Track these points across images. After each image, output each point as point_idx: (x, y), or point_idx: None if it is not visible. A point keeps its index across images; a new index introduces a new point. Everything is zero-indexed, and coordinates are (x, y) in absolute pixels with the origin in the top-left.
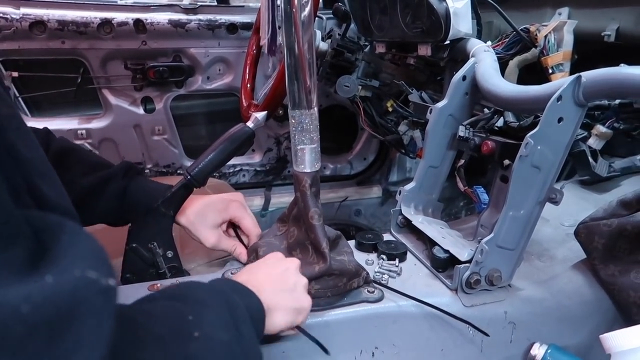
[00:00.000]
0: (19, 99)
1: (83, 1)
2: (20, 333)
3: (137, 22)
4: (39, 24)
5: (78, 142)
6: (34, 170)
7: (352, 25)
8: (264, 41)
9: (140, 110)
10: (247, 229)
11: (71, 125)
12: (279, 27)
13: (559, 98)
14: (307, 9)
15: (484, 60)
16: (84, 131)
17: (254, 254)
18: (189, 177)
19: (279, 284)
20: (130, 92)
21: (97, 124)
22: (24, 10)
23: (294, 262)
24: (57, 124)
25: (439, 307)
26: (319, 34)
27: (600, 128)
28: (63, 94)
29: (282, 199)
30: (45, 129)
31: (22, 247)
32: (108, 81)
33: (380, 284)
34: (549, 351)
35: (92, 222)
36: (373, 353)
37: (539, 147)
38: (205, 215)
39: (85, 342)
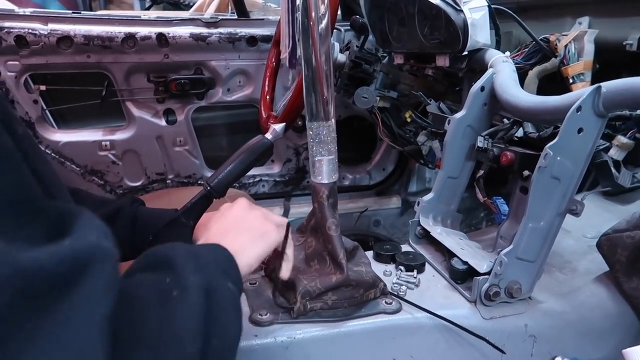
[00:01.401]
0: (46, 111)
1: (108, 17)
2: (41, 287)
3: (160, 36)
4: (66, 39)
5: (102, 153)
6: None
7: (370, 37)
8: (285, 54)
9: (162, 122)
10: None
11: (96, 136)
12: (299, 40)
13: (579, 108)
14: (325, 22)
15: (502, 70)
16: (108, 142)
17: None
18: (208, 188)
19: (236, 225)
20: (152, 104)
21: (120, 135)
22: (51, 26)
23: (241, 202)
24: (82, 135)
25: (454, 322)
26: (337, 46)
27: (621, 139)
28: (88, 107)
29: (301, 209)
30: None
31: (43, 224)
32: (131, 94)
33: (396, 296)
34: None
35: None
36: None
37: (558, 158)
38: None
39: (96, 297)
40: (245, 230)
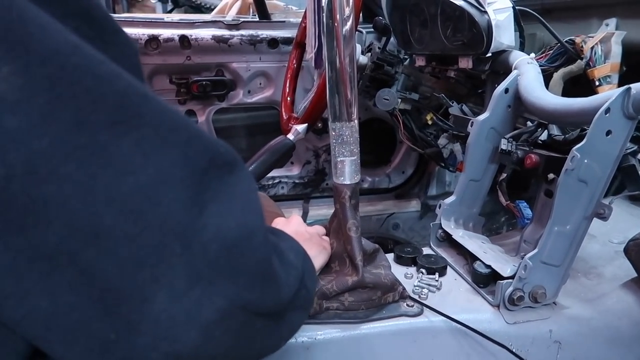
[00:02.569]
0: None
1: (132, 19)
2: (222, 161)
3: (183, 38)
4: None
5: None
6: None
7: (392, 39)
8: (311, 54)
9: None
10: None
11: None
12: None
13: (607, 110)
14: (349, 24)
15: (527, 72)
16: None
17: None
18: None
19: (300, 237)
20: (174, 105)
21: None
22: None
23: (296, 218)
24: None
25: (472, 327)
26: (359, 47)
27: None
28: None
29: (320, 211)
30: None
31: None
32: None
33: (416, 300)
34: None
35: None
36: None
37: (586, 161)
38: None
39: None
40: (308, 242)
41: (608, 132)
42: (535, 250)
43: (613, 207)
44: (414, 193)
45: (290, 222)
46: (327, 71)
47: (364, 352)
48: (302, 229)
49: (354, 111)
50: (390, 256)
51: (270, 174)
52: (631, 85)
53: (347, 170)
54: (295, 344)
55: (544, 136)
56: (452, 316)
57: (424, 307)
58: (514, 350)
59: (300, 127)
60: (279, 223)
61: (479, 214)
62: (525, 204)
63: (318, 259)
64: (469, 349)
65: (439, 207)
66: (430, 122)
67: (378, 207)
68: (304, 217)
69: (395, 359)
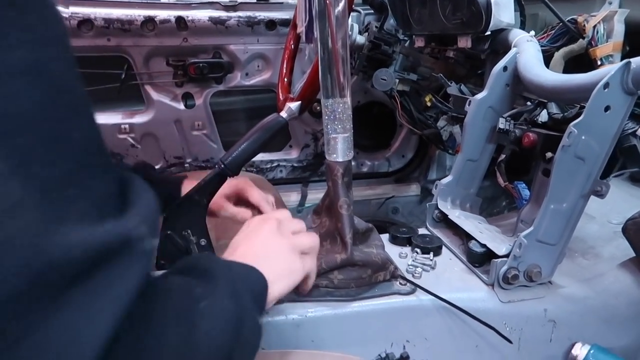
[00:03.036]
0: None
1: (128, 0)
2: (59, 277)
3: (179, 19)
4: (86, 22)
5: (121, 136)
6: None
7: (391, 21)
8: (301, 29)
9: (181, 106)
10: (255, 199)
11: (115, 120)
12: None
13: (606, 85)
14: (341, 5)
15: (526, 50)
16: (127, 126)
17: None
18: (222, 166)
19: (266, 252)
20: (171, 88)
21: (139, 119)
22: (72, 9)
23: (271, 224)
24: (102, 118)
25: (459, 307)
26: (356, 27)
27: None
28: (108, 90)
29: (319, 194)
30: None
31: (108, 186)
32: (150, 77)
33: (407, 279)
34: (591, 352)
35: None
36: (404, 346)
37: (583, 137)
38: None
39: (112, 294)
40: (275, 259)
41: (607, 108)
42: (531, 229)
43: (613, 188)
44: (414, 177)
45: (262, 228)
46: (319, 52)
47: (354, 330)
48: (273, 241)
49: (347, 87)
50: (386, 237)
51: (268, 158)
52: (631, 60)
53: (339, 147)
54: (285, 322)
55: (544, 117)
56: (445, 295)
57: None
58: (506, 329)
59: (294, 105)
60: (252, 223)
61: (476, 195)
62: (524, 185)
63: (279, 283)
64: (463, 327)
65: (436, 188)
66: (429, 104)
67: (377, 191)
68: (303, 200)
69: (386, 337)
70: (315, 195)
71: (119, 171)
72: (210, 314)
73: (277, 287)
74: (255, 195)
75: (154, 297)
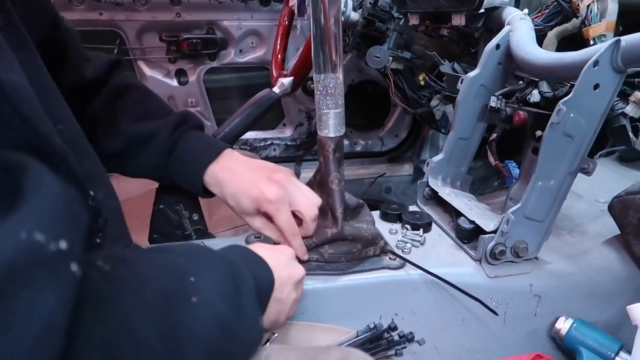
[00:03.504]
0: None
1: None
2: None
3: None
4: None
5: None
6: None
7: None
8: (293, 2)
9: (174, 82)
10: (281, 227)
11: None
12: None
13: (596, 63)
14: None
15: (519, 28)
16: None
17: None
18: None
19: (277, 290)
20: (164, 64)
21: None
22: None
23: (301, 272)
24: None
25: (446, 280)
26: (350, 3)
27: (638, 95)
28: None
29: (312, 173)
30: (117, 59)
31: None
32: (143, 53)
33: (396, 254)
34: (574, 325)
35: (135, 174)
36: (392, 319)
37: (572, 115)
38: (239, 202)
39: (20, 319)
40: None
41: (596, 86)
42: (518, 205)
43: (602, 168)
44: (407, 157)
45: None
46: (311, 28)
47: (345, 304)
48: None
49: (339, 63)
50: (377, 213)
51: (262, 136)
52: (621, 37)
53: (331, 122)
54: None
55: (536, 97)
56: (433, 270)
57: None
58: (492, 304)
59: (286, 80)
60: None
61: (467, 173)
62: (515, 163)
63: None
64: (450, 300)
65: (427, 166)
66: (422, 83)
67: (371, 170)
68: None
69: (376, 310)
70: (309, 173)
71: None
72: (199, 313)
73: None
74: (284, 225)
75: (136, 285)
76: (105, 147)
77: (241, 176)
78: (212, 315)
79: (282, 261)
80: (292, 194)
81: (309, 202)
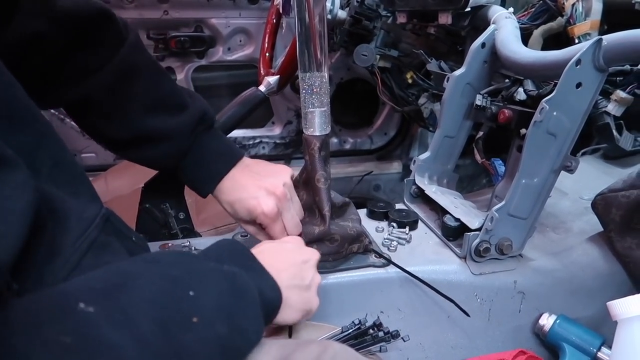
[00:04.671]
0: None
1: None
2: None
3: None
4: None
5: None
6: None
7: None
8: (278, 1)
9: None
10: (274, 237)
11: None
12: None
13: (578, 62)
14: None
15: (504, 26)
16: None
17: None
18: None
19: (297, 278)
20: None
21: None
22: None
23: (315, 255)
24: None
25: (421, 279)
26: (337, 1)
27: (620, 93)
28: None
29: None
30: (136, 35)
31: None
32: None
33: (379, 254)
34: (557, 321)
35: (138, 162)
36: (378, 316)
37: (555, 113)
38: (236, 210)
39: None
40: (298, 288)
41: (578, 85)
42: (503, 203)
43: (586, 165)
44: (396, 155)
45: (286, 250)
46: (296, 28)
47: (332, 301)
48: (300, 269)
49: (324, 62)
50: (363, 211)
51: (251, 134)
52: (603, 37)
53: (317, 121)
54: None
55: (522, 95)
56: (418, 268)
57: (393, 259)
58: (477, 301)
59: (272, 79)
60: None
61: (453, 171)
62: (501, 161)
63: (291, 312)
64: (432, 299)
65: (414, 164)
66: (410, 81)
67: (360, 168)
68: None
69: (362, 308)
70: (297, 172)
71: None
72: (201, 336)
73: (288, 314)
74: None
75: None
76: (107, 133)
77: (244, 185)
78: (212, 339)
79: (292, 250)
80: (286, 211)
81: (295, 223)
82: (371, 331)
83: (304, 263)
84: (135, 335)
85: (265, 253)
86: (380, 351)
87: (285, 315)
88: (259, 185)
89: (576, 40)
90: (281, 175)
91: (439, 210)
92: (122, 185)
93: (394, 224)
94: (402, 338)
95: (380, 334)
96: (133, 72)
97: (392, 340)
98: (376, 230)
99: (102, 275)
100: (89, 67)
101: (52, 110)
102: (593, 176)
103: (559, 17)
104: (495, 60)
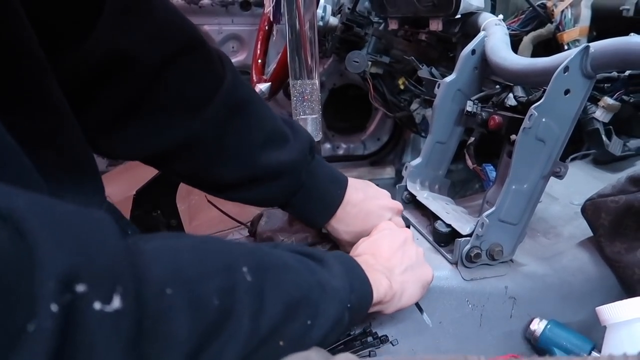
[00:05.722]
0: None
1: None
2: None
3: None
4: None
5: None
6: None
7: (366, 4)
8: (269, 8)
9: None
10: None
11: None
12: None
13: (566, 69)
14: None
15: (494, 33)
16: None
17: (255, 224)
18: None
19: (405, 259)
20: None
21: None
22: None
23: (407, 231)
24: None
25: None
26: (329, 8)
27: (607, 100)
28: None
29: None
30: (233, 65)
31: None
32: None
33: None
34: (548, 326)
35: (241, 202)
36: (370, 323)
37: (543, 120)
38: (361, 236)
39: None
40: (410, 269)
41: (567, 91)
42: (493, 209)
43: (576, 171)
44: (389, 160)
45: (398, 233)
46: (287, 34)
47: None
48: (411, 250)
49: (315, 69)
50: None
51: None
52: (590, 44)
53: (308, 128)
54: None
55: (513, 102)
56: None
57: None
58: (468, 306)
59: (264, 86)
60: (388, 226)
61: (445, 177)
62: (492, 167)
63: (409, 294)
64: (426, 303)
65: (405, 169)
66: (402, 87)
67: (353, 173)
68: None
69: None
70: None
71: None
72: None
73: (405, 297)
74: None
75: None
76: (214, 178)
77: (368, 210)
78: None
79: (388, 236)
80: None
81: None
82: (360, 337)
83: (404, 243)
84: (262, 317)
85: (367, 252)
86: (369, 356)
87: (409, 296)
88: (384, 207)
89: (565, 47)
90: (384, 193)
91: (431, 216)
92: (114, 192)
93: None
94: (390, 342)
95: (369, 339)
96: (241, 106)
97: (381, 345)
98: None
99: (257, 251)
100: (191, 100)
101: None
102: (583, 181)
103: (549, 24)
104: (485, 66)
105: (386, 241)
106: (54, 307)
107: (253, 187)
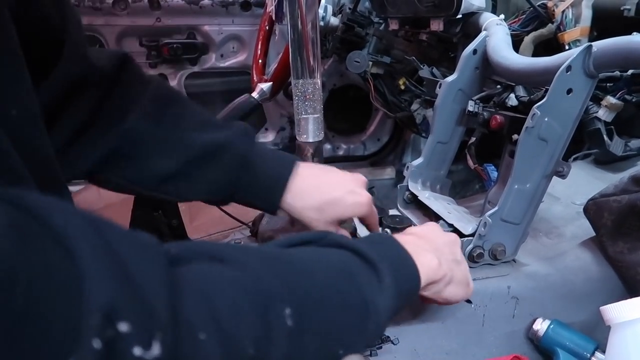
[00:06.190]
0: None
1: None
2: None
3: None
4: None
5: None
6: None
7: (367, 4)
8: (271, 8)
9: None
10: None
11: None
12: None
13: (568, 68)
14: None
15: (495, 33)
16: None
17: (256, 224)
18: None
19: (453, 254)
20: (145, 69)
21: None
22: None
23: (454, 235)
24: None
25: None
26: (329, 8)
27: (610, 99)
28: None
29: None
30: (125, 52)
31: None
32: None
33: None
34: (551, 326)
35: (191, 197)
36: None
37: (546, 119)
38: (324, 211)
39: None
40: (457, 264)
41: (569, 91)
42: (496, 208)
43: (578, 171)
44: (389, 161)
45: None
46: (289, 33)
47: None
48: (457, 250)
49: (317, 68)
50: (357, 218)
51: None
52: (593, 43)
53: (310, 127)
54: None
55: (514, 102)
56: None
57: None
58: (471, 306)
59: (265, 86)
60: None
61: (446, 177)
62: (493, 167)
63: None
64: (425, 305)
65: (407, 169)
66: (403, 87)
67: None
68: None
69: None
70: None
71: None
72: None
73: (453, 290)
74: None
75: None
76: (153, 169)
77: (329, 183)
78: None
79: (437, 231)
80: None
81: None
82: None
83: (452, 243)
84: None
85: (417, 234)
86: (370, 355)
87: (455, 288)
88: (342, 179)
89: (566, 47)
90: (347, 173)
91: (433, 216)
92: (112, 194)
93: (388, 230)
94: (392, 341)
95: None
96: (171, 99)
97: (382, 344)
98: None
99: (302, 281)
100: (126, 101)
101: None
102: (585, 181)
103: (550, 24)
104: (486, 66)
105: (438, 232)
106: (96, 344)
107: (192, 171)
